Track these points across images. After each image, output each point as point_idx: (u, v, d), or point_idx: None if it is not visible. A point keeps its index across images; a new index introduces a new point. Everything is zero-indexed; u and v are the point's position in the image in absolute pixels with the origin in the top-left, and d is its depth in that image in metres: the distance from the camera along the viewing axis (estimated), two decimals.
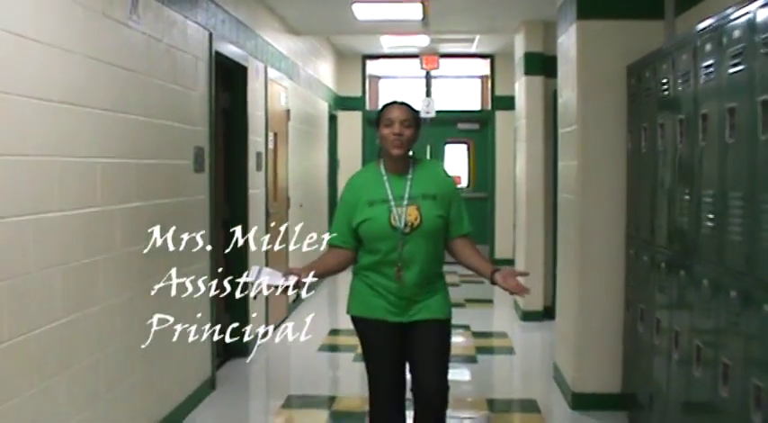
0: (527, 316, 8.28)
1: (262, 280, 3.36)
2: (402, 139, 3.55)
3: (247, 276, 3.40)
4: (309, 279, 3.49)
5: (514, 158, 9.51)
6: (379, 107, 3.70)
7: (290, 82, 8.59)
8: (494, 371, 6.66)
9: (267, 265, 7.09)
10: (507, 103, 10.89)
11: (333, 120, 12.08)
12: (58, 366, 3.43)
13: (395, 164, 3.61)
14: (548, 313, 7.97)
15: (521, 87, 8.69)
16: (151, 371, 4.55)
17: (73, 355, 3.58)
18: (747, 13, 3.15)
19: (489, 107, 12.82)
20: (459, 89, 13.29)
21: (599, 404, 5.28)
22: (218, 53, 5.81)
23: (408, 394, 3.62)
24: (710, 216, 3.56)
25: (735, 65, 3.28)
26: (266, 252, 7.33)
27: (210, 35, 5.63)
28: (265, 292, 3.50)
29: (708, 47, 3.62)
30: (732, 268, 3.32)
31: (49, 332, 3.34)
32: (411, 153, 3.65)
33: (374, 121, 3.70)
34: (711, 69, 3.57)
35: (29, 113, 3.19)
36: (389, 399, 3.63)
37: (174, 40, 4.90)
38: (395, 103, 3.66)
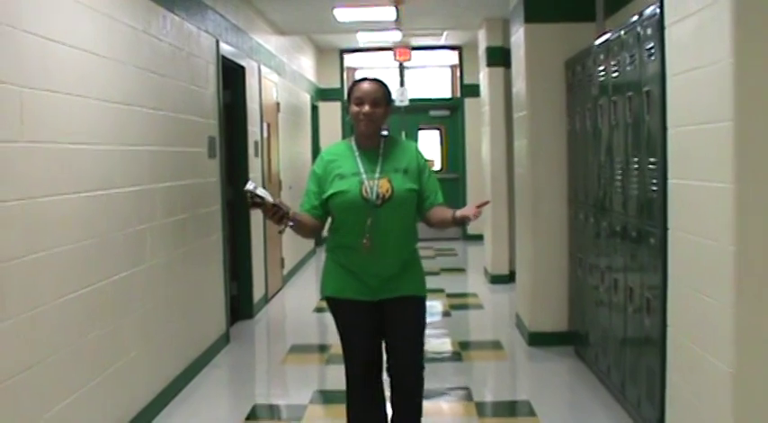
0: (495, 279, 9.37)
1: (257, 192, 3.31)
2: (372, 116, 3.54)
3: (248, 185, 3.34)
4: (291, 215, 3.42)
5: (481, 141, 10.60)
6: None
7: (279, 78, 9.61)
8: (465, 322, 7.75)
9: (263, 258, 8.15)
10: (475, 90, 11.91)
11: (315, 110, 13.11)
12: (121, 311, 4.47)
13: (366, 140, 3.60)
14: (512, 277, 9.03)
15: (484, 78, 9.76)
16: (183, 322, 5.59)
17: (130, 304, 4.61)
18: (634, 27, 4.25)
19: (459, 95, 13.89)
20: (431, 78, 14.34)
21: (551, 341, 6.37)
22: (222, 56, 6.84)
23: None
24: (619, 177, 4.66)
25: (630, 64, 4.38)
26: (264, 229, 8.38)
27: (217, 41, 6.66)
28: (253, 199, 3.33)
29: (614, 49, 4.72)
30: (632, 215, 4.43)
31: (114, 282, 4.37)
32: (385, 133, 3.69)
33: (346, 96, 3.67)
34: (616, 67, 4.68)
35: (98, 113, 4.22)
36: (366, 380, 3.64)
37: (192, 48, 5.93)
38: (365, 79, 3.62)
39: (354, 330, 3.63)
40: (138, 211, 4.76)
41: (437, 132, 14.24)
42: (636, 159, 4.36)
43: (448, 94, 14.25)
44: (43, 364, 3.49)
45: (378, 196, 3.50)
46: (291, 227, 3.48)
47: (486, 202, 3.45)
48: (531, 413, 4.83)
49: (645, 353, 4.28)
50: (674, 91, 3.70)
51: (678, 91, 3.65)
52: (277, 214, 3.35)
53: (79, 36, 3.97)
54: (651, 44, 4.04)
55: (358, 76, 14.15)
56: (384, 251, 3.52)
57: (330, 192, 3.55)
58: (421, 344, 3.67)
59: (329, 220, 3.68)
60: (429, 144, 14.05)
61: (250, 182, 3.40)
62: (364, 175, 3.54)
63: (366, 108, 3.54)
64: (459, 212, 3.43)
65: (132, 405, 4.56)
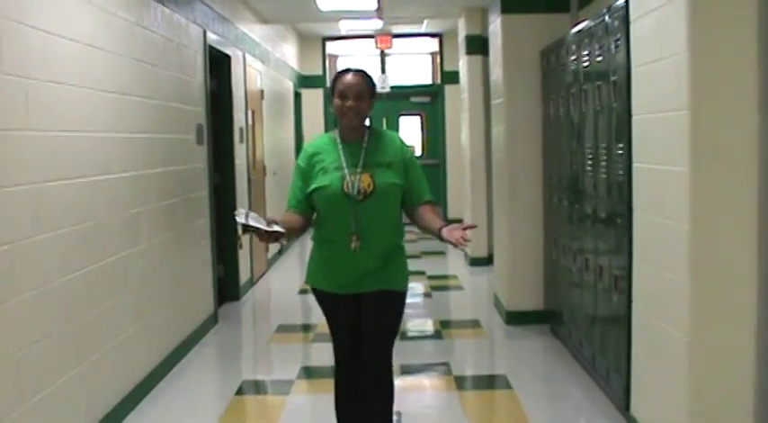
0: (474, 261, 9.65)
1: (249, 222, 3.23)
2: (356, 110, 3.52)
3: (237, 216, 3.28)
4: (284, 231, 3.33)
5: (461, 128, 10.86)
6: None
7: (263, 66, 9.82)
8: (444, 302, 8.03)
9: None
10: (455, 77, 12.12)
11: (297, 97, 13.32)
12: (119, 290, 4.70)
13: (350, 133, 3.58)
14: (491, 260, 9.28)
15: (464, 65, 10.00)
16: (175, 302, 5.82)
17: (127, 283, 4.84)
18: (603, 20, 4.51)
19: (439, 81, 14.13)
20: (412, 65, 14.57)
21: (527, 319, 6.65)
22: (209, 46, 7.04)
23: None
24: (590, 162, 4.93)
25: (599, 55, 4.64)
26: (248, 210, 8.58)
27: (204, 32, 6.87)
28: (242, 232, 3.41)
29: (585, 40, 4.98)
30: (601, 198, 4.70)
31: (112, 263, 4.60)
32: (368, 124, 3.66)
33: (329, 88, 3.64)
34: (587, 57, 4.94)
35: (95, 101, 4.44)
36: (352, 362, 3.68)
37: (181, 39, 6.14)
38: (349, 71, 3.58)
39: (337, 323, 3.68)
40: (134, 196, 4.98)
41: (418, 118, 14.48)
42: (604, 145, 4.63)
43: (429, 81, 14.48)
44: (49, 339, 3.73)
45: (359, 191, 3.47)
46: (285, 240, 3.48)
47: (472, 226, 3.33)
48: (508, 386, 5.11)
49: (613, 328, 4.56)
50: (638, 81, 3.96)
51: (641, 81, 3.92)
52: (272, 237, 3.28)
53: (78, 30, 4.18)
54: (618, 36, 4.30)
55: (340, 63, 14.37)
56: (367, 246, 3.49)
57: (313, 186, 3.53)
58: (391, 341, 3.64)
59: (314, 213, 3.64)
60: (410, 130, 14.29)
61: (239, 211, 3.29)
62: (346, 170, 3.50)
63: (350, 102, 3.51)
64: (446, 234, 3.32)
65: (131, 379, 4.80)
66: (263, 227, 3.23)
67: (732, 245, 3.34)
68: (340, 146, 3.58)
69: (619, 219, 4.38)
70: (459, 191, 12.44)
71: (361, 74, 3.59)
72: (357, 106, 3.52)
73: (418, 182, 3.62)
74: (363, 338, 3.62)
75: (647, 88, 3.85)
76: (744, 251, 3.32)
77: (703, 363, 3.41)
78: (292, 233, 3.49)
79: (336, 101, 3.55)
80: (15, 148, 3.44)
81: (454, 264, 10.12)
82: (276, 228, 3.26)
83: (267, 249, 9.56)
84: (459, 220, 11.37)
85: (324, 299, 3.68)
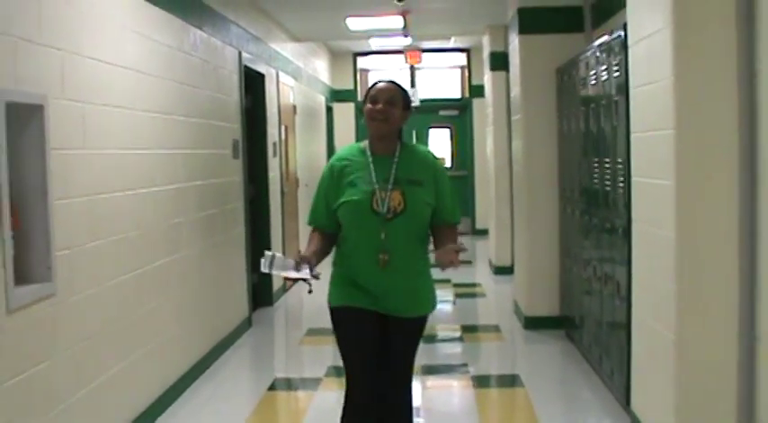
0: (498, 270, 10.00)
1: (275, 272, 3.23)
2: (385, 115, 3.37)
3: (263, 267, 3.23)
4: (314, 264, 3.28)
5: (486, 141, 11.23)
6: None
7: (295, 82, 10.27)
8: (468, 308, 8.40)
9: (281, 252, 8.81)
10: (482, 91, 12.48)
11: (329, 111, 13.77)
12: (162, 293, 5.13)
13: (380, 144, 3.42)
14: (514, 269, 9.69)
15: (488, 81, 10.39)
16: (212, 305, 6.26)
17: (169, 287, 5.27)
18: (607, 45, 4.88)
19: (467, 95, 14.52)
20: (441, 79, 14.96)
21: (544, 324, 7.00)
22: (244, 66, 7.50)
23: None
24: (596, 176, 5.29)
25: (605, 76, 5.01)
26: (282, 224, 9.03)
27: (240, 53, 7.32)
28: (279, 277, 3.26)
29: (592, 62, 5.34)
30: (606, 209, 5.06)
31: (156, 268, 5.03)
32: (401, 137, 3.51)
33: (362, 99, 3.50)
34: (594, 78, 5.30)
35: (141, 122, 4.88)
36: (367, 409, 3.43)
37: (218, 61, 6.59)
38: (381, 81, 3.50)
39: (357, 345, 3.42)
40: (175, 207, 5.43)
41: (447, 131, 14.87)
42: (608, 159, 5.00)
43: (457, 95, 14.86)
44: (102, 334, 4.16)
45: (388, 209, 3.32)
46: (316, 279, 3.28)
47: (462, 249, 3.30)
48: (520, 384, 5.48)
49: (616, 331, 4.91)
50: (635, 101, 4.32)
51: (638, 101, 4.28)
52: (302, 277, 3.22)
53: (127, 57, 4.64)
54: (618, 60, 4.67)
55: (371, 77, 14.79)
56: (395, 264, 3.34)
57: (340, 201, 3.37)
58: (413, 359, 3.55)
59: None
60: (439, 142, 14.68)
61: (265, 256, 3.24)
62: (376, 185, 3.34)
63: (380, 105, 3.36)
64: (436, 256, 3.37)
65: (172, 373, 5.23)
66: (290, 274, 3.21)
67: (714, 252, 3.68)
68: (370, 158, 3.41)
69: (620, 229, 4.74)
70: (486, 201, 12.80)
71: (394, 83, 3.49)
72: (387, 110, 3.37)
73: (448, 202, 3.46)
74: (390, 363, 3.45)
75: (642, 108, 4.21)
76: (725, 257, 3.65)
77: (689, 359, 3.75)
78: (321, 259, 3.37)
79: (367, 106, 3.40)
80: (74, 165, 3.89)
81: (480, 272, 10.47)
82: (305, 272, 3.19)
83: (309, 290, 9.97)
84: (486, 231, 11.73)
85: (346, 316, 3.42)
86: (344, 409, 3.46)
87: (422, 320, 3.52)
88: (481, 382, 5.66)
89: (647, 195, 4.17)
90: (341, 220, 3.41)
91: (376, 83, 3.50)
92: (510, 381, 5.68)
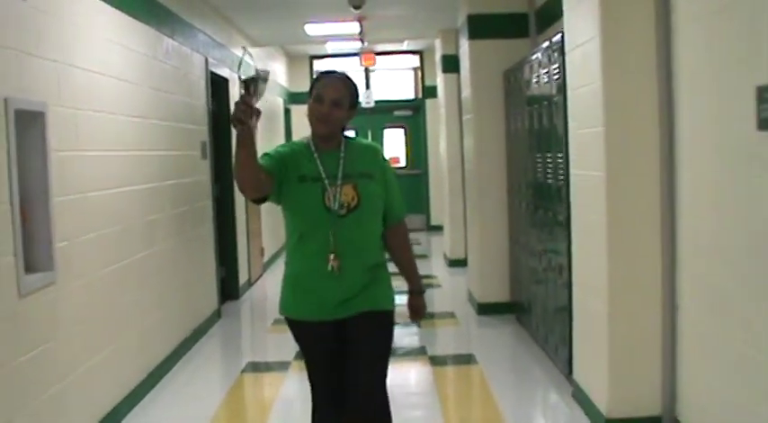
0: (452, 263, 10.52)
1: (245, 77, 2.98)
2: (329, 118, 3.16)
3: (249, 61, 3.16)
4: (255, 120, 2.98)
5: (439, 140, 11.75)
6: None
7: None
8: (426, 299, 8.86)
9: (246, 248, 9.23)
10: (435, 92, 13.02)
11: (287, 113, 14.18)
12: (142, 284, 5.53)
13: (323, 142, 3.22)
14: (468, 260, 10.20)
15: (440, 82, 10.90)
16: (186, 297, 6.67)
17: (148, 278, 5.67)
18: (548, 50, 5.40)
19: (421, 96, 15.03)
20: (395, 80, 15.45)
21: (496, 310, 7.51)
22: (210, 71, 7.90)
23: None
24: (539, 169, 5.81)
25: (546, 79, 5.53)
26: (246, 222, 9.45)
27: (206, 59, 7.73)
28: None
29: (535, 66, 5.86)
30: (549, 200, 5.58)
31: (136, 260, 5.44)
32: (348, 133, 3.33)
33: (305, 95, 3.29)
34: (536, 80, 5.82)
35: (123, 125, 5.29)
36: (334, 409, 3.26)
37: (187, 67, 7.00)
38: (330, 74, 3.25)
39: (318, 358, 3.27)
40: (152, 204, 5.83)
41: (402, 131, 15.37)
42: (549, 155, 5.52)
43: (411, 96, 15.36)
44: (93, 320, 4.58)
45: (342, 205, 3.13)
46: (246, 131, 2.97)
47: (422, 316, 3.46)
48: (474, 361, 5.99)
49: (560, 308, 5.43)
50: (572, 102, 4.84)
51: (574, 102, 4.80)
52: (251, 111, 2.96)
53: (111, 66, 5.05)
54: (557, 65, 5.18)
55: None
56: (349, 266, 3.14)
57: (289, 196, 3.16)
58: (384, 366, 3.27)
59: (284, 229, 3.30)
60: (394, 142, 15.18)
61: (258, 71, 3.01)
62: (326, 181, 3.16)
63: (324, 108, 3.15)
64: (409, 302, 3.45)
65: (152, 360, 5.65)
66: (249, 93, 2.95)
67: (640, 234, 4.21)
68: (315, 153, 3.20)
69: (562, 218, 5.26)
70: (441, 198, 13.32)
71: (344, 79, 3.24)
72: (330, 114, 3.15)
73: (396, 197, 3.32)
74: (353, 368, 3.20)
75: (577, 108, 4.73)
76: (649, 239, 4.19)
77: (619, 329, 4.29)
78: (250, 159, 2.97)
79: (311, 104, 3.18)
80: (69, 166, 4.29)
81: (435, 265, 10.98)
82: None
83: (262, 254, 10.41)
84: (441, 227, 12.25)
85: (301, 330, 3.26)
86: (313, 414, 3.36)
87: (382, 316, 3.25)
88: (438, 361, 6.15)
89: (582, 186, 4.69)
90: (289, 217, 3.21)
91: (323, 75, 3.26)
92: (465, 359, 6.18)
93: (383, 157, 3.35)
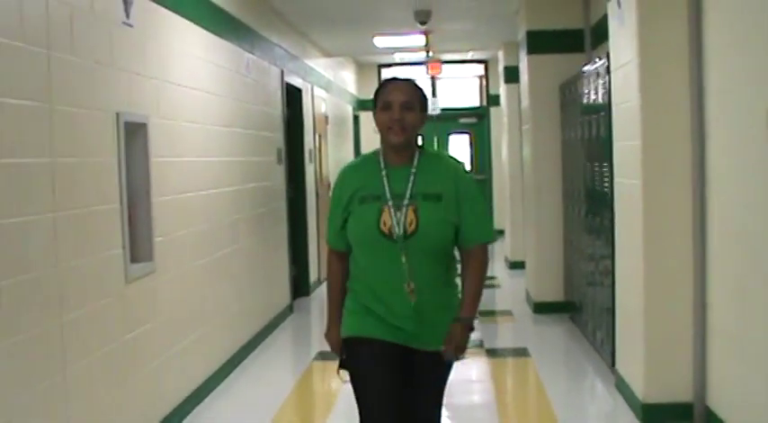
0: (513, 265, 10.97)
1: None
2: (402, 124, 2.90)
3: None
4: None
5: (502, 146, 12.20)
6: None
7: (327, 94, 11.30)
8: (485, 298, 9.17)
9: (316, 248, 9.84)
10: (499, 100, 13.47)
11: (356, 119, 14.79)
12: (225, 278, 6.14)
13: (396, 154, 2.96)
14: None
15: (503, 92, 11.37)
16: (262, 291, 7.27)
17: (229, 273, 6.27)
18: (597, 68, 5.86)
19: (485, 103, 15.49)
20: (460, 88, 15.93)
21: (551, 309, 7.96)
22: (286, 82, 8.52)
23: None
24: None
25: (596, 94, 5.99)
26: (317, 224, 10.05)
27: (282, 71, 8.34)
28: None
29: (586, 81, 6.31)
30: (597, 205, 6.03)
31: (222, 256, 6.04)
32: (420, 142, 3.05)
33: (372, 102, 3.04)
34: (587, 95, 6.27)
35: (211, 134, 5.90)
36: None
37: (265, 80, 7.62)
38: (395, 80, 3.00)
39: (377, 385, 2.94)
40: (235, 205, 6.45)
41: (467, 137, 15.85)
42: (598, 164, 5.97)
43: (476, 103, 15.83)
44: (184, 306, 5.18)
45: (402, 229, 2.88)
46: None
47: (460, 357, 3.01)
48: (528, 355, 6.46)
49: (606, 307, 5.87)
50: (616, 116, 5.28)
51: (617, 116, 5.24)
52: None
53: (200, 81, 5.66)
54: (605, 81, 5.63)
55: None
56: (423, 297, 2.91)
57: (346, 217, 2.98)
58: (441, 399, 3.10)
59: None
60: (459, 148, 15.67)
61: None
62: (390, 201, 2.90)
63: (395, 114, 2.90)
64: (447, 337, 2.97)
65: (233, 345, 6.26)
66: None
67: (673, 239, 4.64)
68: (384, 170, 2.96)
69: (606, 221, 5.71)
70: (503, 202, 13.77)
71: (410, 82, 3.01)
72: (403, 118, 2.90)
73: (473, 219, 2.97)
74: (413, 398, 3.01)
75: (620, 122, 5.18)
76: (682, 243, 4.61)
77: (654, 325, 4.72)
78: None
79: (380, 115, 2.94)
80: (165, 171, 4.90)
81: (496, 267, 11.43)
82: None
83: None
84: (503, 231, 12.70)
85: (362, 351, 2.96)
86: None
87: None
88: (494, 353, 6.64)
89: (623, 193, 5.14)
90: (350, 240, 2.99)
91: (386, 82, 3.02)
92: (520, 352, 6.65)
93: (463, 172, 3.03)
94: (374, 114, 2.98)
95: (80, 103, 3.82)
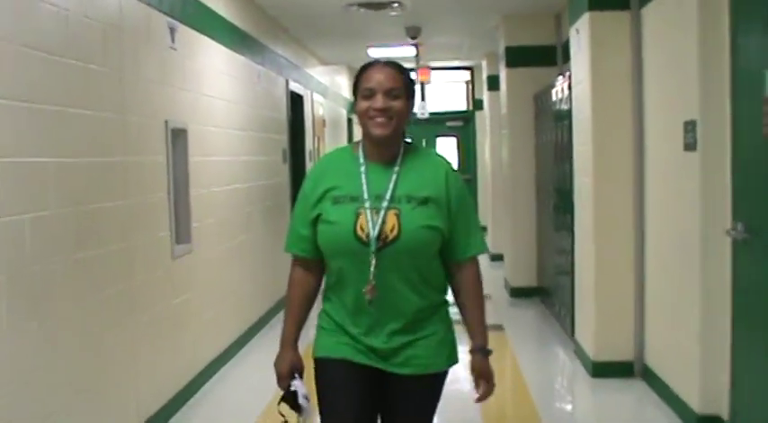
0: (495, 257, 11.96)
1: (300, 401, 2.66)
2: (388, 114, 2.52)
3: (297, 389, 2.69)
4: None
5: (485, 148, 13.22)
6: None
7: (324, 99, 12.29)
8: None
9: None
10: (483, 105, 14.48)
11: (350, 122, 15.78)
12: (243, 261, 7.11)
13: (378, 149, 2.58)
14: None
15: (486, 99, 12.38)
16: (271, 275, 8.26)
17: (245, 258, 7.25)
18: (562, 82, 6.88)
19: (471, 108, 16.51)
20: (448, 92, 16.93)
21: (525, 294, 8.98)
22: (290, 90, 9.50)
23: None
24: (556, 175, 7.28)
25: (562, 104, 7.00)
26: None
27: (287, 81, 9.33)
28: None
29: (554, 93, 7.33)
30: (561, 200, 7.04)
31: (240, 242, 7.02)
32: (406, 138, 2.66)
33: (351, 90, 2.65)
34: (556, 105, 7.29)
35: (231, 137, 6.87)
36: None
37: (273, 89, 8.60)
38: (377, 63, 2.60)
39: (342, 403, 2.60)
40: (248, 199, 7.43)
41: (454, 139, 16.87)
42: (563, 165, 6.99)
43: (462, 107, 16.85)
44: (213, 282, 6.17)
45: (379, 236, 2.50)
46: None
47: (486, 396, 2.67)
48: (502, 329, 7.48)
49: (568, 287, 6.89)
50: (575, 124, 6.29)
51: (576, 125, 6.25)
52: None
53: (223, 91, 6.65)
54: (569, 93, 6.65)
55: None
56: (387, 305, 2.55)
57: (319, 219, 2.58)
58: None
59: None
60: (447, 150, 16.68)
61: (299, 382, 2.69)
62: (366, 203, 2.54)
63: (379, 101, 2.52)
64: (471, 368, 2.66)
65: (252, 316, 7.24)
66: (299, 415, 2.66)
67: (618, 227, 5.66)
68: (363, 166, 2.60)
69: (568, 214, 6.73)
70: (486, 200, 14.78)
71: (395, 65, 2.60)
72: (389, 107, 2.52)
73: (466, 229, 2.62)
74: None
75: (578, 130, 6.19)
76: (625, 231, 5.63)
77: (602, 299, 5.74)
78: (307, 317, 2.74)
79: (361, 103, 2.56)
80: (199, 168, 5.88)
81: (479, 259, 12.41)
82: (301, 398, 2.66)
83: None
84: (486, 227, 13.71)
85: (331, 371, 2.63)
86: None
87: (436, 379, 2.66)
88: None
89: (581, 190, 6.16)
90: (320, 246, 2.62)
91: (368, 66, 2.61)
92: (496, 328, 7.64)
93: (453, 174, 2.63)
94: (353, 103, 2.60)
95: (142, 113, 4.80)
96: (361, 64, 2.71)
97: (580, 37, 5.93)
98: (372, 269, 2.51)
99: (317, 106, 11.50)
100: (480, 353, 2.68)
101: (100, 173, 4.22)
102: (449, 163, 2.68)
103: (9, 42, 3.38)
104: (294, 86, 9.80)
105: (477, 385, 2.68)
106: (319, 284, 2.75)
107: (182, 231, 5.49)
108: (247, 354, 6.80)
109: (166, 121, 5.20)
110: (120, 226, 4.46)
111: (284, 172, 9.16)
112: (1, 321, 3.26)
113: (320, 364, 2.68)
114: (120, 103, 4.50)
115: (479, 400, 2.69)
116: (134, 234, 4.64)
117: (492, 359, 2.75)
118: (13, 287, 3.35)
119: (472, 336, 2.70)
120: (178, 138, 5.47)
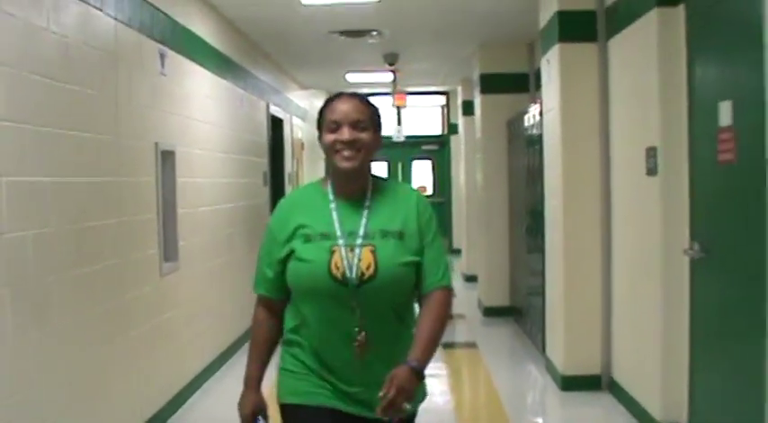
0: (468, 278, 12.25)
1: None
2: (356, 146, 2.47)
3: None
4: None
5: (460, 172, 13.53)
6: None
7: (303, 123, 12.56)
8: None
9: None
10: (458, 129, 14.80)
11: None
12: (226, 281, 7.33)
13: (346, 182, 2.53)
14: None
15: (461, 124, 12.70)
16: (250, 294, 8.46)
17: (232, 276, 7.47)
18: (534, 110, 7.21)
19: (446, 132, 16.84)
20: (423, 117, 17.26)
21: (498, 313, 9.26)
22: (271, 114, 9.77)
23: None
24: (529, 198, 7.56)
25: (534, 130, 7.32)
26: None
27: (268, 104, 9.60)
28: None
29: (525, 119, 7.65)
30: (533, 221, 7.34)
31: (224, 262, 7.24)
32: (373, 173, 2.59)
33: (316, 123, 2.58)
34: (528, 131, 7.61)
35: (216, 159, 7.11)
36: None
37: (255, 112, 8.86)
38: (342, 95, 2.55)
39: None
40: (231, 220, 7.67)
41: (429, 162, 17.19)
42: (534, 188, 7.29)
43: (438, 131, 17.18)
44: (198, 299, 6.39)
45: (357, 274, 2.43)
46: None
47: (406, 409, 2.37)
48: (476, 347, 7.73)
49: (539, 306, 7.17)
50: (546, 149, 6.60)
51: (546, 149, 6.56)
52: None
53: (208, 115, 6.91)
54: (540, 120, 6.96)
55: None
56: (374, 353, 2.47)
57: (286, 254, 2.51)
58: None
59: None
60: (422, 173, 16.98)
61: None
62: (340, 239, 2.48)
63: (345, 134, 2.47)
64: (389, 377, 2.36)
65: (234, 333, 7.45)
66: None
67: (585, 245, 5.95)
68: (332, 203, 2.54)
69: (539, 235, 7.02)
70: (460, 222, 15.08)
71: (360, 97, 2.57)
72: (356, 139, 2.48)
73: (436, 261, 2.53)
74: None
75: (548, 154, 6.50)
76: (593, 246, 5.92)
77: (571, 315, 6.02)
78: (271, 355, 2.64)
79: (327, 136, 2.51)
80: (186, 188, 6.12)
81: (454, 280, 12.67)
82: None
83: None
84: (459, 250, 14.00)
85: (304, 419, 2.53)
86: None
87: (412, 419, 2.61)
88: (449, 346, 7.90)
89: (551, 211, 6.45)
90: (290, 285, 2.54)
91: (333, 98, 2.57)
92: (470, 345, 7.92)
93: (424, 203, 2.59)
94: (319, 137, 2.55)
95: (134, 135, 5.05)
96: (340, 90, 2.84)
97: (551, 67, 6.25)
98: (356, 314, 2.43)
99: (296, 130, 11.77)
100: (412, 368, 2.37)
101: (96, 192, 4.46)
102: (416, 190, 2.63)
103: (14, 68, 3.62)
104: (274, 110, 10.07)
105: (383, 393, 2.34)
106: (283, 300, 2.61)
107: (169, 249, 5.72)
108: (230, 367, 7.01)
109: (156, 144, 5.44)
110: (114, 243, 4.69)
111: (264, 194, 9.41)
112: (6, 332, 3.48)
113: (290, 410, 2.55)
114: (115, 126, 4.74)
115: (382, 407, 2.35)
116: (126, 251, 4.87)
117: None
118: (17, 300, 3.57)
119: (413, 348, 2.43)
120: (167, 159, 5.71)
